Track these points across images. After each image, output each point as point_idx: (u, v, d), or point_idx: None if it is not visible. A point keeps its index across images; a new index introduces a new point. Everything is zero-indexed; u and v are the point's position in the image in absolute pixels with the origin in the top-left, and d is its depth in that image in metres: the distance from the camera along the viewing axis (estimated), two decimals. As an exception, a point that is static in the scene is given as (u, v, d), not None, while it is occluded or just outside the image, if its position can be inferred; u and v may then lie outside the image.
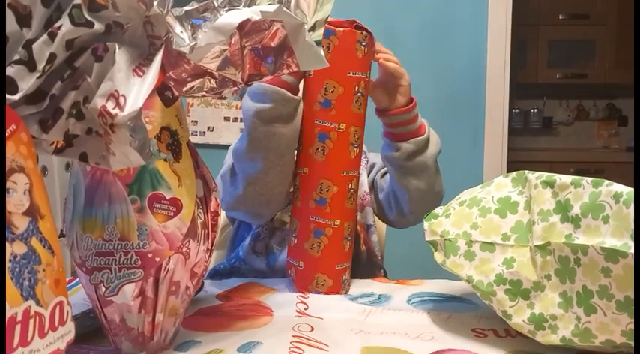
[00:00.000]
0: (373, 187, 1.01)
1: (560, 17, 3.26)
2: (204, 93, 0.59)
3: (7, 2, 0.38)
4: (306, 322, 0.69)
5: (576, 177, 0.60)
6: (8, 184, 0.35)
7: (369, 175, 1.02)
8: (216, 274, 0.95)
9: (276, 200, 0.86)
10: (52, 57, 0.39)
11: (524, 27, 3.08)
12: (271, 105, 0.78)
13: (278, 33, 0.59)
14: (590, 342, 0.57)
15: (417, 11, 2.08)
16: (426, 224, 0.72)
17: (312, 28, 0.65)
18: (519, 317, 0.62)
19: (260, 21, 0.55)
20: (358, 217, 0.98)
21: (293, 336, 0.64)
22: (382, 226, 1.31)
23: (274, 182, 0.82)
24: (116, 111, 0.39)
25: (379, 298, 0.79)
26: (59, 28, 0.39)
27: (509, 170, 2.02)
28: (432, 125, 0.93)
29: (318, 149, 0.79)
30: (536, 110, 3.60)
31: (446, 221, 0.71)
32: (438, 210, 0.74)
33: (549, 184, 0.63)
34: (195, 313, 0.71)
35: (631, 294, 0.52)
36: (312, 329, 0.66)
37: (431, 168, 0.90)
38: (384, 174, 1.00)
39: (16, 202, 0.36)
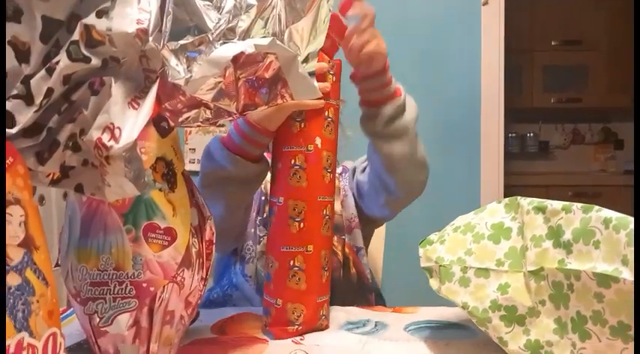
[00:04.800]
0: (358, 189, 1.00)
1: (552, 43, 3.31)
2: (199, 123, 0.60)
3: (6, 39, 0.39)
4: (302, 349, 0.68)
5: (567, 203, 0.61)
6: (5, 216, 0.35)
7: (353, 179, 1.02)
8: (210, 304, 0.94)
9: (232, 235, 0.91)
10: (50, 91, 0.40)
11: (519, 53, 3.14)
12: (229, 167, 0.81)
13: (272, 65, 0.60)
14: (586, 368, 0.57)
15: (410, 40, 2.11)
16: (421, 251, 0.73)
17: (306, 60, 0.66)
18: (515, 344, 0.61)
19: (254, 53, 0.57)
20: (347, 239, 0.97)
21: (288, 365, 0.63)
22: (379, 251, 1.30)
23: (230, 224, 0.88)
24: (111, 143, 0.40)
25: (375, 326, 0.79)
26: (57, 63, 0.40)
27: (507, 194, 2.03)
28: (428, 151, 0.93)
29: (294, 174, 0.76)
30: (532, 134, 3.63)
31: (440, 247, 0.71)
32: (433, 236, 0.75)
33: (541, 210, 0.64)
34: (190, 343, 0.71)
35: (624, 319, 0.53)
36: (308, 359, 0.66)
37: (412, 131, 0.86)
38: (364, 169, 0.99)
39: (12, 233, 0.36)
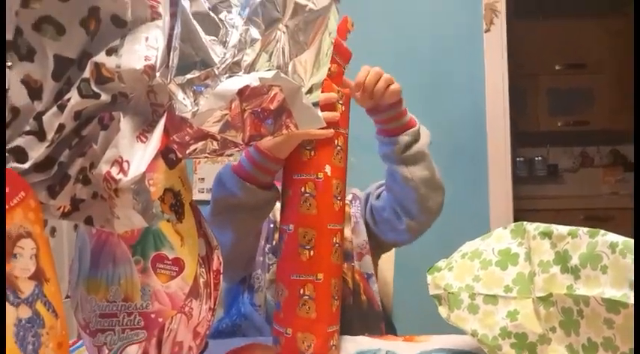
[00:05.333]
0: (373, 215, 1.01)
1: (556, 68, 3.33)
2: (206, 155, 0.61)
3: (19, 78, 0.41)
4: (311, 381, 0.68)
5: (573, 227, 0.61)
6: (15, 250, 0.36)
7: (366, 206, 1.03)
8: (219, 335, 0.94)
9: (241, 264, 0.92)
10: (61, 127, 0.42)
11: (523, 77, 3.15)
12: (240, 194, 0.82)
13: (277, 96, 0.62)
14: (599, 396, 0.56)
15: (415, 65, 2.14)
16: (429, 278, 0.73)
17: (310, 91, 0.68)
18: (527, 371, 0.61)
19: (259, 86, 0.58)
20: (357, 266, 0.97)
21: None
22: (389, 277, 1.29)
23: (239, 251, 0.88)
24: (120, 176, 0.41)
25: (386, 354, 0.78)
26: (68, 100, 0.42)
27: (516, 219, 2.01)
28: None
29: (304, 202, 0.77)
30: (540, 158, 3.62)
31: (449, 274, 0.71)
32: (441, 263, 0.75)
33: (547, 235, 0.64)
34: (200, 373, 0.70)
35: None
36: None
37: (428, 155, 0.93)
38: (379, 195, 1.01)
39: (23, 266, 0.37)
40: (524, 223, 0.68)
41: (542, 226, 0.65)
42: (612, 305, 0.53)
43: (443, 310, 0.69)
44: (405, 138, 0.91)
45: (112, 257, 0.51)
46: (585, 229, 0.59)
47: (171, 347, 0.54)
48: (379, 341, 0.85)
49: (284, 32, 0.63)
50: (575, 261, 0.59)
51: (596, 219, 3.02)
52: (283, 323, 0.76)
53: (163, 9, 0.52)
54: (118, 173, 0.41)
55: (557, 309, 0.60)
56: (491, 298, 0.66)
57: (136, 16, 0.49)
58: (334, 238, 0.78)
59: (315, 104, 0.68)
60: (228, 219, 0.84)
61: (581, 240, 0.60)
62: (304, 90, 0.65)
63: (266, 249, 0.96)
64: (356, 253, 0.98)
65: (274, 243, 0.96)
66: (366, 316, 0.95)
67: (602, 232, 0.57)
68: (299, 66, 0.65)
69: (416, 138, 0.91)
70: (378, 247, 1.02)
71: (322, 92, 0.75)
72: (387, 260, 1.23)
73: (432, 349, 0.79)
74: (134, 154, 0.43)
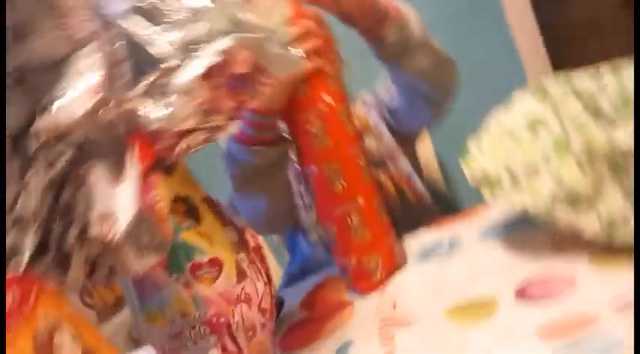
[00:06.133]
0: (392, 115, 0.98)
1: None
2: (199, 146, 0.59)
3: None
4: (386, 300, 0.70)
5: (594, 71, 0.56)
6: (54, 346, 0.38)
7: (381, 109, 1.00)
8: (293, 279, 0.97)
9: (284, 217, 0.93)
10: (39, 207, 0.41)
11: None
12: (252, 159, 0.81)
13: (244, 58, 0.57)
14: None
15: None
16: (465, 169, 0.70)
17: (275, 33, 0.62)
18: (590, 227, 0.59)
19: (221, 59, 0.54)
20: (392, 168, 0.96)
21: (379, 320, 0.65)
22: (429, 155, 1.28)
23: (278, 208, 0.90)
24: (112, 233, 0.40)
25: (450, 245, 0.78)
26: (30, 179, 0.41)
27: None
28: (452, 46, 0.89)
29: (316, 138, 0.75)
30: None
31: (482, 157, 0.68)
32: (471, 144, 0.72)
33: (570, 87, 0.59)
34: (287, 330, 0.74)
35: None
36: (395, 307, 0.68)
37: (425, 40, 0.85)
38: (389, 93, 0.98)
39: (69, 353, 0.39)
40: (544, 81, 0.63)
41: (563, 80, 0.60)
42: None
43: (487, 193, 0.68)
44: (392, 37, 0.82)
45: (154, 285, 0.52)
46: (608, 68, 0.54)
47: (245, 334, 0.57)
48: (437, 231, 0.84)
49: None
50: (605, 108, 0.55)
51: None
52: (344, 255, 0.78)
53: (85, 32, 0.48)
54: (109, 230, 0.41)
55: (599, 161, 0.57)
56: (532, 167, 0.63)
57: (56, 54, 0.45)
58: (359, 159, 0.77)
59: (287, 44, 0.63)
60: (253, 187, 0.84)
61: (607, 83, 0.55)
62: (271, 37, 0.60)
63: (301, 190, 0.95)
64: (388, 157, 0.96)
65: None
66: (419, 213, 0.95)
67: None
68: (255, 16, 0.59)
69: (405, 32, 0.82)
70: (408, 141, 1.00)
71: (294, 22, 0.70)
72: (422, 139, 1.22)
73: (493, 219, 0.78)
74: (117, 202, 0.42)
